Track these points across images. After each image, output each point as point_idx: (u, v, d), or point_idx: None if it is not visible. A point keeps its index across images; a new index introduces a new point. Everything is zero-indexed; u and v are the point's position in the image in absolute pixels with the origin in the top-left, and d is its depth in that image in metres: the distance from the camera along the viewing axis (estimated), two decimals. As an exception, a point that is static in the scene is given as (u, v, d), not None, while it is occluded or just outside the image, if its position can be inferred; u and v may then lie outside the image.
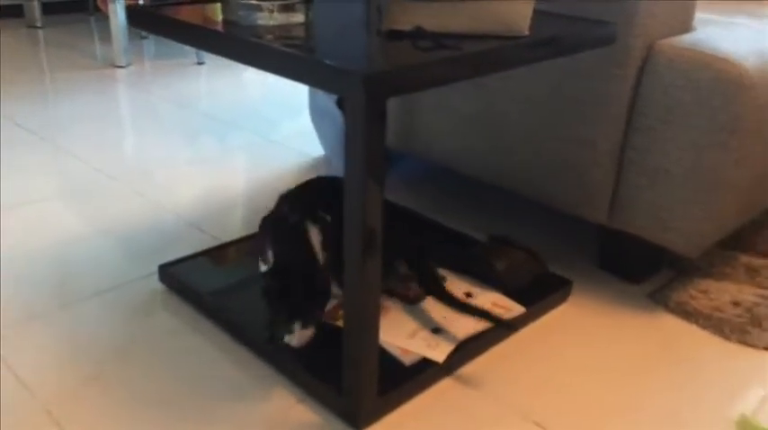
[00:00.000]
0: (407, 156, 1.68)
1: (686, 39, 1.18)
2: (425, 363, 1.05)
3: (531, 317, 1.20)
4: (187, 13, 1.06)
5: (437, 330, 1.12)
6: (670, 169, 1.17)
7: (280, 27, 0.97)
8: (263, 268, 1.08)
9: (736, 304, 1.26)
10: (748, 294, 1.29)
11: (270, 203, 1.14)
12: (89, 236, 1.45)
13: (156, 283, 1.27)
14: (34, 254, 1.37)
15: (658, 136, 1.17)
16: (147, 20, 1.09)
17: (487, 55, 0.91)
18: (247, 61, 0.91)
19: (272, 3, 0.97)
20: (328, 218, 1.06)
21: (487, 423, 0.98)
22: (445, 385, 1.05)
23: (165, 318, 1.18)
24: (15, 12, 3.47)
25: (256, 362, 1.07)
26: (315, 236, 1.05)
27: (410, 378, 1.02)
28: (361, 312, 0.89)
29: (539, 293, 1.23)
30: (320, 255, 1.05)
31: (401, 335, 1.11)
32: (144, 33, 3.31)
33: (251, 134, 2.09)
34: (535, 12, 0.97)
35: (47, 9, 3.49)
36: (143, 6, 1.08)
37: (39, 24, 3.42)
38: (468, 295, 1.22)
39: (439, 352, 1.07)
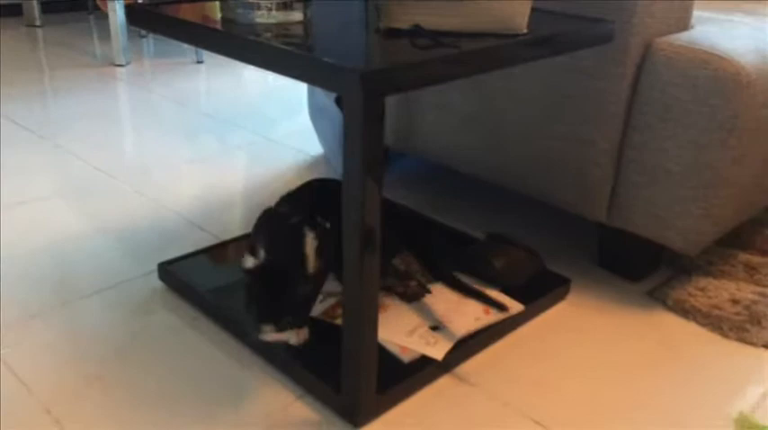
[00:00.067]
0: (406, 155, 1.68)
1: (684, 37, 1.18)
2: (424, 361, 1.05)
3: (530, 315, 1.21)
4: (186, 12, 1.06)
5: (436, 327, 1.12)
6: (669, 167, 1.17)
7: (278, 25, 0.98)
8: (250, 263, 1.01)
9: (734, 302, 1.26)
10: (747, 292, 1.29)
11: (269, 202, 1.14)
12: (89, 234, 1.45)
13: (155, 281, 1.27)
14: (34, 252, 1.37)
15: (657, 134, 1.17)
16: (146, 18, 1.10)
17: (486, 53, 0.91)
18: (246, 59, 0.91)
19: (270, 1, 0.97)
20: (327, 224, 1.05)
21: (486, 420, 0.99)
22: (444, 382, 1.05)
23: (164, 316, 1.18)
24: (14, 11, 3.47)
25: (255, 360, 1.08)
26: (310, 242, 1.03)
27: (409, 375, 1.02)
28: (359, 310, 0.89)
29: (537, 291, 1.23)
30: (312, 262, 1.02)
31: (400, 332, 1.11)
32: (143, 32, 3.31)
33: (250, 133, 2.09)
34: (533, 10, 0.97)
35: (46, 8, 3.49)
36: (142, 5, 1.08)
37: (38, 23, 3.41)
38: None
39: (438, 349, 1.07)
